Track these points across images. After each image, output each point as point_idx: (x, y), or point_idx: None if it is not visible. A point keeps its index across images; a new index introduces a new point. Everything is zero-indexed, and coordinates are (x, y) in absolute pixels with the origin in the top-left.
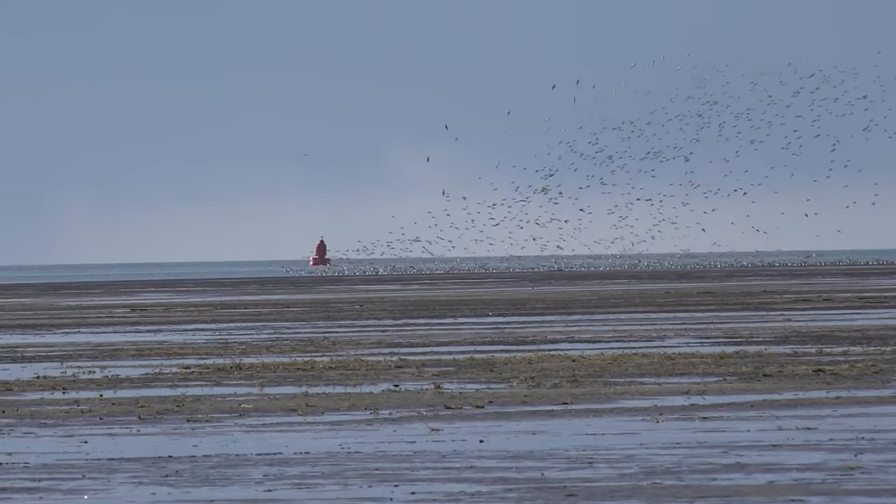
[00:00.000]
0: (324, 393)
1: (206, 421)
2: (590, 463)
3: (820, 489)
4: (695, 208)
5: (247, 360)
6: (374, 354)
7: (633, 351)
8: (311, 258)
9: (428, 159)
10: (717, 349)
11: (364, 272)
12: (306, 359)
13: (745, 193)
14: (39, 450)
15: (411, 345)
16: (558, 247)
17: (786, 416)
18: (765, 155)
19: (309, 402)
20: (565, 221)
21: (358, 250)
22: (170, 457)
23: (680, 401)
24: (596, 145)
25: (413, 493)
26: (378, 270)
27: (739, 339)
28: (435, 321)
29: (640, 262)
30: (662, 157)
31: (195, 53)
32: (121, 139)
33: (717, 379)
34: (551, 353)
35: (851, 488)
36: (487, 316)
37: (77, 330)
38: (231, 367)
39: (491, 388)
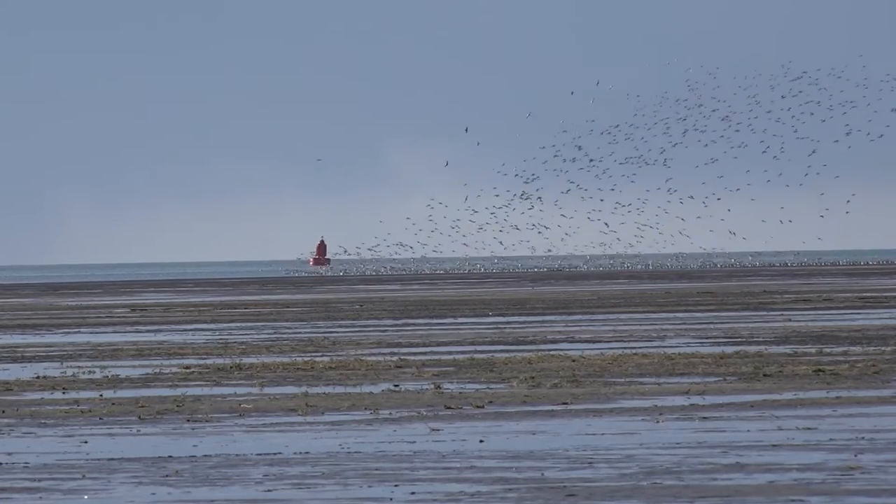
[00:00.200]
0: (324, 393)
1: (206, 421)
2: (590, 463)
3: (820, 489)
4: (684, 212)
5: (247, 360)
6: (374, 354)
7: (633, 351)
8: (311, 258)
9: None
10: (717, 349)
11: (353, 272)
12: (306, 359)
13: (718, 199)
14: (39, 450)
15: (411, 345)
16: (549, 250)
17: (786, 416)
18: (744, 160)
19: (309, 402)
20: (546, 227)
21: (347, 251)
22: (170, 457)
23: (680, 401)
24: (581, 150)
25: (413, 493)
26: (365, 271)
27: (739, 339)
28: (435, 321)
29: (624, 263)
30: (642, 162)
31: (195, 54)
32: (121, 139)
33: (717, 379)
34: (551, 353)
35: (851, 488)
36: (487, 316)
37: (77, 330)
38: (231, 367)
39: (491, 388)
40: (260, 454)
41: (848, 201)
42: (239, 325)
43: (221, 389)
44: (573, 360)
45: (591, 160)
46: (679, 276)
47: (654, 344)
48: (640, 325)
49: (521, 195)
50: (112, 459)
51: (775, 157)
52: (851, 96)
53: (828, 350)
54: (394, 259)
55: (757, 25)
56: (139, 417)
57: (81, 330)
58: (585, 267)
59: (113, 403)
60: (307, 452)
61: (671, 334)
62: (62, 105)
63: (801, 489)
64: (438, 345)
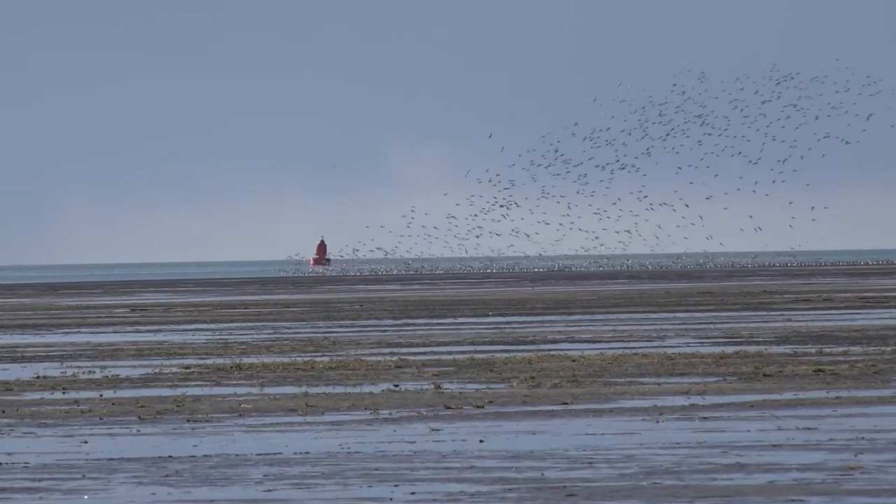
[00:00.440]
0: (324, 393)
1: (206, 421)
2: (590, 463)
3: (820, 489)
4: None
5: (247, 360)
6: (374, 354)
7: (633, 351)
8: (311, 258)
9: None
10: (717, 349)
11: (351, 272)
12: (306, 359)
13: (687, 205)
14: (39, 450)
15: (411, 345)
16: (542, 252)
17: (786, 416)
18: (724, 166)
19: (309, 402)
20: (526, 235)
21: (340, 252)
22: (170, 457)
23: (680, 401)
24: (562, 156)
25: (413, 493)
26: (362, 270)
27: (739, 339)
28: (435, 321)
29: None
30: (621, 166)
31: (195, 54)
32: (121, 139)
33: (717, 379)
34: (551, 353)
35: (851, 488)
36: (487, 316)
37: (77, 330)
38: (231, 367)
39: (491, 388)
40: (260, 454)
41: (824, 207)
42: (239, 325)
43: (221, 389)
44: (573, 360)
45: (569, 165)
46: (679, 276)
47: (654, 344)
48: (640, 325)
49: (497, 203)
50: (112, 459)
51: (752, 161)
52: (840, 99)
53: (828, 350)
54: (386, 260)
55: (758, 26)
56: (139, 417)
57: (81, 330)
58: (574, 268)
59: (113, 403)
60: (307, 452)
61: (671, 334)
62: (62, 105)
63: (801, 489)
64: (438, 345)
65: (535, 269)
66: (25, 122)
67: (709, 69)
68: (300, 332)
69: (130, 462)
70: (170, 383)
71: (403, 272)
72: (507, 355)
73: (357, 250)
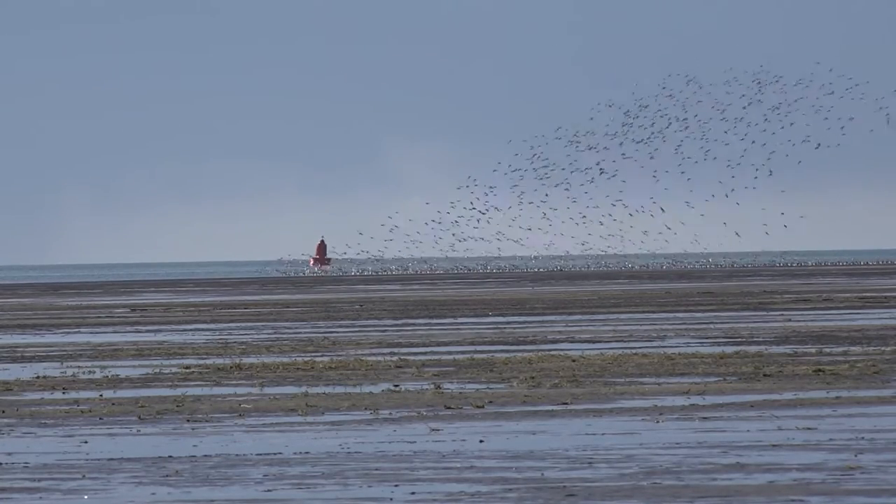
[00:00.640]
0: (324, 393)
1: (206, 421)
2: (590, 463)
3: (820, 489)
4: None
5: (247, 360)
6: (374, 354)
7: (633, 351)
8: (311, 258)
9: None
10: (717, 349)
11: (351, 272)
12: (306, 359)
13: (663, 210)
14: (39, 450)
15: (411, 345)
16: (536, 255)
17: (786, 416)
18: (702, 172)
19: (309, 402)
20: (503, 238)
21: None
22: (170, 457)
23: (680, 401)
24: (546, 160)
25: (413, 493)
26: (364, 270)
27: (739, 339)
28: (435, 321)
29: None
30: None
31: (195, 55)
32: (121, 139)
33: (717, 379)
34: (551, 353)
35: (851, 488)
36: (487, 316)
37: (77, 330)
38: (231, 367)
39: (491, 388)
40: (260, 454)
41: (785, 226)
42: (239, 325)
43: (221, 389)
44: (573, 360)
45: (550, 168)
46: (679, 276)
47: (654, 344)
48: (640, 325)
49: (474, 207)
50: (112, 459)
51: (730, 165)
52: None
53: (828, 350)
54: (381, 259)
55: (761, 28)
56: (139, 417)
57: (81, 330)
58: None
59: (113, 403)
60: (307, 452)
61: (671, 334)
62: (62, 105)
63: (801, 489)
64: (438, 345)
65: (520, 270)
66: (25, 123)
67: (710, 70)
68: (300, 332)
69: (130, 462)
70: (170, 383)
71: (389, 271)
72: (507, 355)
73: (345, 253)
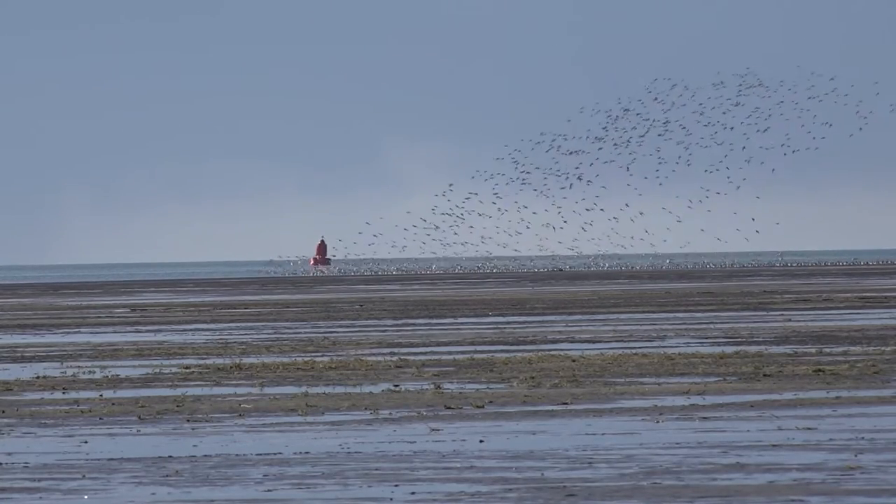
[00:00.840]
0: (324, 393)
1: (206, 421)
2: (590, 463)
3: (820, 489)
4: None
5: (247, 360)
6: (374, 354)
7: (633, 351)
8: (311, 258)
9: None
10: (717, 349)
11: (349, 272)
12: (306, 359)
13: (641, 213)
14: (39, 450)
15: (411, 345)
16: (520, 256)
17: (786, 416)
18: (680, 178)
19: (309, 402)
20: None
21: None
22: (170, 457)
23: (680, 401)
24: (528, 158)
25: (413, 493)
26: (363, 271)
27: (739, 339)
28: (435, 321)
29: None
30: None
31: (195, 55)
32: (121, 139)
33: (717, 379)
34: (551, 353)
35: (851, 488)
36: (487, 316)
37: (77, 330)
38: (231, 367)
39: (491, 388)
40: (260, 454)
41: (757, 231)
42: (239, 325)
43: (221, 389)
44: (573, 360)
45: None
46: (679, 276)
47: (654, 344)
48: (640, 325)
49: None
50: (112, 459)
51: (708, 171)
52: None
53: (828, 350)
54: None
55: (761, 29)
56: (139, 417)
57: (81, 330)
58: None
59: (113, 403)
60: (307, 452)
61: (671, 334)
62: (62, 105)
63: (801, 489)
64: (438, 345)
65: (507, 270)
66: (25, 123)
67: (712, 69)
68: (300, 332)
69: (130, 462)
70: (170, 383)
71: (383, 272)
72: (507, 355)
73: (334, 256)
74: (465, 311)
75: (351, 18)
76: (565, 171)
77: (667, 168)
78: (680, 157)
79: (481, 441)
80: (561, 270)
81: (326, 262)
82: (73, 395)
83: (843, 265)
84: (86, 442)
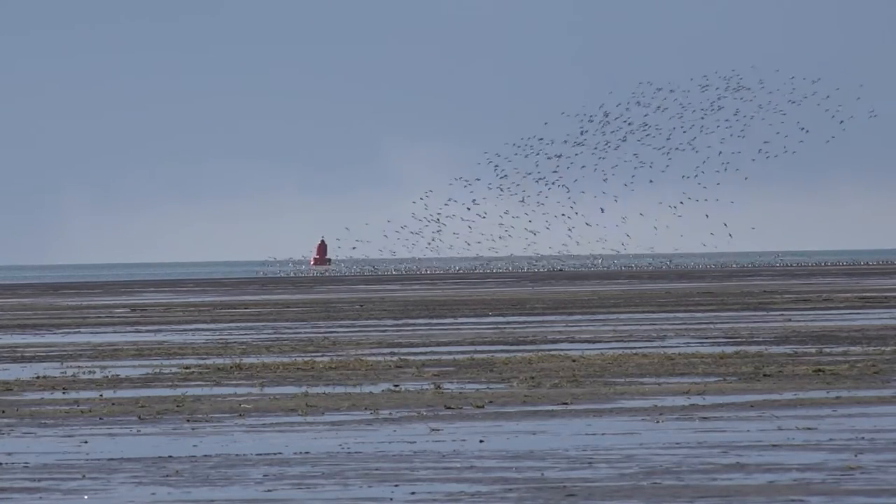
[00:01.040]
0: (324, 393)
1: (206, 421)
2: (590, 463)
3: (820, 489)
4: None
5: (247, 360)
6: (374, 354)
7: (633, 351)
8: (311, 258)
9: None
10: (717, 349)
11: (349, 273)
12: (306, 359)
13: (625, 220)
14: (39, 450)
15: (411, 345)
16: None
17: (786, 416)
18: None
19: (309, 402)
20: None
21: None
22: (170, 457)
23: (680, 401)
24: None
25: (413, 493)
26: (364, 270)
27: (739, 339)
28: (435, 321)
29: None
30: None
31: (195, 55)
32: (121, 139)
33: (717, 379)
34: (551, 353)
35: (851, 488)
36: (487, 316)
37: (77, 330)
38: (231, 367)
39: (491, 388)
40: (260, 454)
41: (729, 235)
42: (239, 325)
43: (221, 389)
44: (573, 360)
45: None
46: (679, 276)
47: (654, 344)
48: (640, 325)
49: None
50: (112, 459)
51: (686, 176)
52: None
53: (828, 350)
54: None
55: (761, 29)
56: (139, 417)
57: (81, 330)
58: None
59: (113, 403)
60: (307, 452)
61: (671, 334)
62: (62, 105)
63: (801, 489)
64: (438, 345)
65: (500, 270)
66: (25, 123)
67: (713, 69)
68: (300, 332)
69: (130, 462)
70: (170, 383)
71: (375, 272)
72: (507, 355)
73: (330, 259)
74: (465, 311)
75: (351, 18)
76: (543, 176)
77: (643, 172)
78: (653, 163)
79: (481, 441)
80: (561, 270)
81: (326, 262)
82: (73, 395)
83: (843, 265)
84: (86, 442)
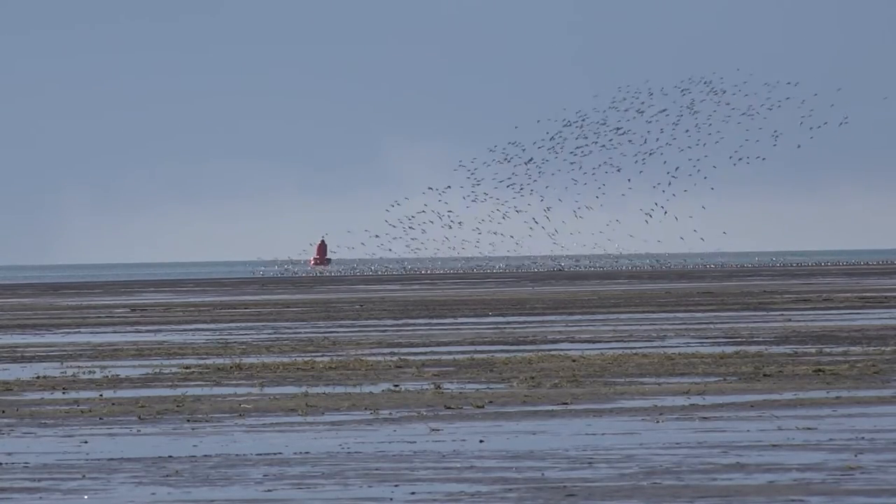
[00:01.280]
0: (324, 393)
1: (206, 421)
2: (590, 463)
3: (820, 489)
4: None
5: (247, 360)
6: (374, 354)
7: (633, 351)
8: (311, 258)
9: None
10: (717, 349)
11: (348, 273)
12: (306, 359)
13: (616, 224)
14: (39, 450)
15: (411, 345)
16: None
17: (786, 416)
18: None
19: (309, 402)
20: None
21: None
22: (170, 457)
23: (680, 401)
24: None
25: (413, 493)
26: (364, 271)
27: (739, 339)
28: (435, 321)
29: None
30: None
31: (195, 55)
32: (121, 139)
33: (717, 379)
34: (551, 353)
35: (851, 488)
36: (487, 316)
37: (77, 330)
38: (231, 367)
39: (491, 388)
40: (260, 454)
41: (697, 234)
42: (239, 325)
43: (221, 389)
44: (573, 360)
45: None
46: (679, 276)
47: (654, 344)
48: (640, 325)
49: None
50: (112, 459)
51: (663, 176)
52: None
53: (828, 350)
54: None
55: (761, 29)
56: (139, 417)
57: (81, 330)
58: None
59: (113, 403)
60: (307, 452)
61: (671, 334)
62: (62, 105)
63: (801, 489)
64: (438, 345)
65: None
66: (25, 123)
67: (716, 69)
68: (300, 332)
69: (130, 462)
70: (170, 383)
71: (376, 272)
72: (507, 355)
73: (330, 259)
74: (465, 311)
75: (351, 18)
76: (517, 182)
77: (626, 174)
78: (636, 162)
79: (481, 441)
80: (561, 270)
81: (326, 262)
82: (73, 395)
83: (843, 265)
84: (86, 442)
